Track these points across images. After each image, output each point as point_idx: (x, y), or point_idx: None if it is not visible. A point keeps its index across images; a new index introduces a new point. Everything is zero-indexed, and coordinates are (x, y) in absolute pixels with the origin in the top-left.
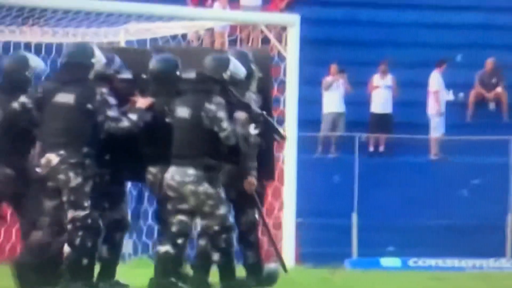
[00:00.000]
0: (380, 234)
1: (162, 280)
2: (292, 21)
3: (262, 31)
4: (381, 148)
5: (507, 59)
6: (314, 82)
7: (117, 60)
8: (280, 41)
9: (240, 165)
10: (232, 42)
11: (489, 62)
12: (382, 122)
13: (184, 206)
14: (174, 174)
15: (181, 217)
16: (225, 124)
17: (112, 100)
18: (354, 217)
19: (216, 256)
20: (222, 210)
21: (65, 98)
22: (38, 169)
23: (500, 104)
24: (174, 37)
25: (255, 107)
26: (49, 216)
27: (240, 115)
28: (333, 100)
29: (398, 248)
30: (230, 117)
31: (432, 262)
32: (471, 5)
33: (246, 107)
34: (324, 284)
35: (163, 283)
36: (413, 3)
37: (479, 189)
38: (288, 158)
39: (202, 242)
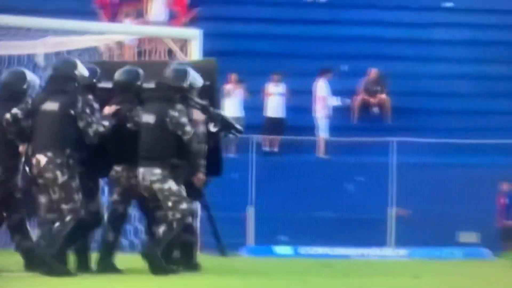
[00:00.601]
0: (274, 225)
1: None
2: (194, 35)
3: (167, 44)
4: (275, 148)
5: (389, 69)
6: None
7: (99, 71)
8: (183, 52)
9: (190, 163)
10: (140, 54)
11: (373, 71)
12: (275, 125)
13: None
14: (144, 176)
15: (172, 213)
16: (188, 128)
17: (96, 106)
18: (251, 210)
19: (162, 228)
20: (184, 205)
21: (51, 106)
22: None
23: (382, 108)
24: (87, 49)
25: (213, 109)
26: (43, 209)
27: (199, 116)
28: (233, 106)
29: (290, 238)
30: (190, 120)
31: (320, 250)
32: (356, 20)
33: (205, 109)
34: (224, 268)
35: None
36: (303, 18)
37: (363, 185)
38: None
39: (160, 229)
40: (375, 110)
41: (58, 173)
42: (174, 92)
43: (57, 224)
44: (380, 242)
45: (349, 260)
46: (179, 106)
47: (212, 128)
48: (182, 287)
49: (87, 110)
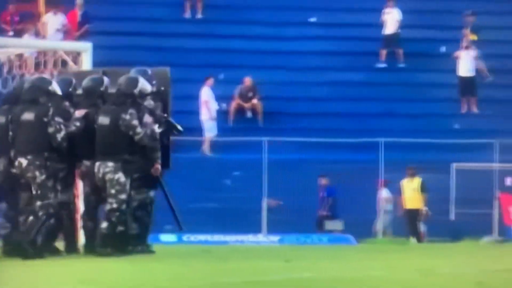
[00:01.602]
0: (161, 216)
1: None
2: (86, 47)
3: (62, 56)
4: None
5: (261, 77)
6: None
7: (73, 80)
8: (76, 63)
9: (148, 156)
10: (37, 65)
11: (247, 79)
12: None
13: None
14: (99, 168)
15: (111, 200)
16: (138, 129)
17: (72, 111)
18: None
19: (104, 225)
20: (123, 196)
21: (29, 116)
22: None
23: (255, 112)
24: None
25: (159, 112)
26: (25, 203)
27: (148, 118)
28: None
29: (174, 226)
30: (141, 122)
31: (202, 237)
32: (232, 34)
33: (151, 113)
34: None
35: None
36: (184, 32)
37: (239, 179)
38: None
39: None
40: (249, 113)
41: (37, 173)
42: (126, 97)
43: (31, 217)
44: (254, 229)
45: (227, 246)
46: (131, 110)
47: (157, 129)
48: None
49: (56, 119)
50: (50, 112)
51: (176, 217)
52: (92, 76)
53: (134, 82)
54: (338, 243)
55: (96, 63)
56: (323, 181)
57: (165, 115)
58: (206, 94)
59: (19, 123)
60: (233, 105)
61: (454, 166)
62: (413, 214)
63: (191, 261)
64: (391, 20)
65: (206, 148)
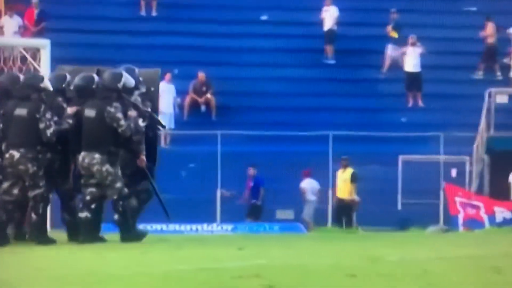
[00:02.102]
0: None
1: (86, 238)
2: (44, 44)
3: (21, 52)
4: None
5: (214, 73)
6: None
7: (68, 77)
8: (35, 59)
9: (133, 149)
10: None
11: (201, 75)
12: (151, 122)
13: (93, 181)
14: (84, 158)
15: (91, 189)
16: (122, 122)
17: (65, 106)
18: None
19: (116, 216)
20: (118, 184)
21: (21, 111)
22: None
23: (209, 106)
24: None
25: (142, 107)
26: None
27: (132, 113)
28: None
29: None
30: (125, 115)
31: (158, 226)
32: (188, 31)
33: (136, 107)
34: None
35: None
36: (140, 30)
37: (195, 171)
38: None
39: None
40: (203, 108)
41: (29, 165)
42: (110, 91)
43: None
44: (209, 219)
45: (183, 235)
46: (116, 104)
47: (141, 123)
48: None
49: (47, 115)
50: (42, 109)
51: (164, 207)
52: (83, 74)
53: (118, 76)
54: (289, 231)
55: (55, 60)
56: (251, 171)
57: (149, 109)
58: (164, 88)
59: (11, 118)
60: (188, 99)
61: (401, 158)
62: (343, 204)
63: (147, 249)
64: (329, 17)
65: (162, 141)
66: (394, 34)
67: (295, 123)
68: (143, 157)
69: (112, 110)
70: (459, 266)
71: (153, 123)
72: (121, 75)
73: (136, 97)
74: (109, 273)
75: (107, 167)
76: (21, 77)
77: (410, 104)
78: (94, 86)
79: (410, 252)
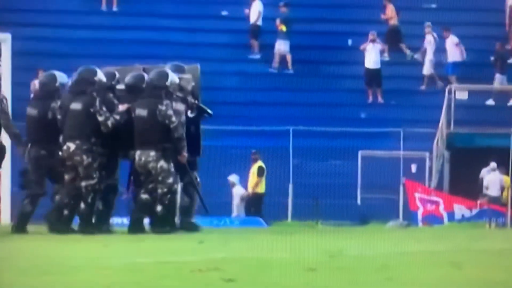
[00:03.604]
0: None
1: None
2: (5, 38)
3: None
4: None
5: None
6: (25, 84)
7: (116, 75)
8: None
9: (175, 145)
10: None
11: None
12: (199, 112)
13: (150, 178)
14: (141, 156)
15: (151, 185)
16: (173, 119)
17: (116, 102)
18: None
19: (159, 208)
20: (170, 179)
21: (76, 105)
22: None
23: None
24: None
25: (190, 99)
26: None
27: (180, 106)
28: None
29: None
30: (174, 111)
31: (119, 220)
32: (147, 26)
33: (184, 100)
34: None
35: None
36: (92, 24)
37: None
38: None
39: (146, 196)
40: None
41: (84, 156)
42: (159, 89)
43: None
44: None
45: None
46: (166, 101)
47: (190, 114)
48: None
49: (104, 108)
50: (97, 103)
51: (203, 202)
52: (134, 73)
53: (165, 75)
54: (250, 225)
55: (16, 54)
56: None
57: (196, 101)
58: None
59: (67, 112)
60: None
61: (361, 153)
62: (253, 196)
63: (109, 242)
64: (254, 11)
65: None
66: (283, 28)
67: (255, 117)
68: (185, 154)
69: (163, 108)
70: (419, 261)
71: (200, 113)
72: (167, 73)
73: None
74: (71, 265)
75: (161, 163)
76: (57, 76)
77: (370, 100)
78: (144, 85)
79: (370, 246)
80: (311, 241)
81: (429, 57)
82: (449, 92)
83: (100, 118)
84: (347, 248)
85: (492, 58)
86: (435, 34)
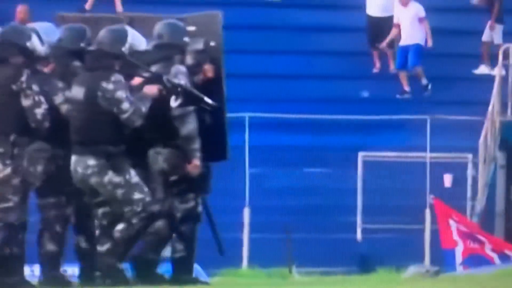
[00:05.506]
0: None
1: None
2: None
3: None
4: None
5: None
6: None
7: (87, 31)
8: None
9: (181, 148)
10: None
11: None
12: (188, 100)
13: (99, 199)
14: (76, 165)
15: (103, 209)
16: (125, 105)
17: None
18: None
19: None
20: (137, 194)
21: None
22: None
23: None
24: None
25: (172, 79)
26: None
27: (151, 88)
28: None
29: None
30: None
31: None
32: None
33: (158, 79)
34: None
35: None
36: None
37: None
38: None
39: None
40: None
41: None
42: (110, 59)
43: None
44: None
45: None
46: (116, 77)
47: (173, 102)
48: None
49: (35, 87)
50: (24, 77)
51: (218, 239)
52: (112, 28)
53: (122, 35)
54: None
55: None
56: None
57: (182, 82)
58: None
59: None
60: None
61: (361, 156)
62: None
63: None
64: None
65: None
66: None
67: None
68: (197, 162)
69: (110, 86)
70: None
71: (190, 101)
72: (125, 33)
73: (178, 68)
74: None
75: (110, 176)
76: None
77: (377, 68)
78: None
79: None
80: None
81: None
82: (505, 57)
83: (26, 102)
84: None
85: None
86: None
